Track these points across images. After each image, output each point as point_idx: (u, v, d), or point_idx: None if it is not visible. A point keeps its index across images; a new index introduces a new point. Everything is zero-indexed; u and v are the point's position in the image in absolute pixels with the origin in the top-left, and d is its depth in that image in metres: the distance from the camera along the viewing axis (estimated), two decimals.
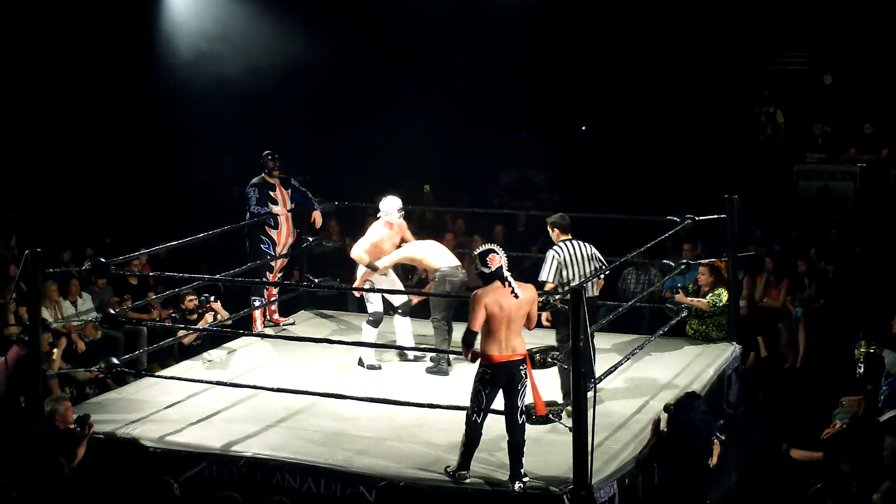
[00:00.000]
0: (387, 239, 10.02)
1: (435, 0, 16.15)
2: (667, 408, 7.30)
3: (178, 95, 16.17)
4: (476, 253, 7.49)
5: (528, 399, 7.41)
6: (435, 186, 15.93)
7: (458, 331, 8.27)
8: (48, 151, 15.77)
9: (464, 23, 16.50)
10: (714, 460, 7.28)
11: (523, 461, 7.38)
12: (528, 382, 7.37)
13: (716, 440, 7.30)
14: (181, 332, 10.56)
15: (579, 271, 8.62)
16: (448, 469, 7.54)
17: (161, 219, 15.27)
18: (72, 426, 7.79)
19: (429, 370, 9.66)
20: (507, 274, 7.40)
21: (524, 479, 7.36)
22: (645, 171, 15.96)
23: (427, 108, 16.45)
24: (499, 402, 7.55)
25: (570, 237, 8.83)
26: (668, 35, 16.33)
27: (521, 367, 7.36)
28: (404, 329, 9.96)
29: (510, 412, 7.40)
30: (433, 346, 9.62)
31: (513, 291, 7.32)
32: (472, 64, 16.94)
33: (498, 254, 7.42)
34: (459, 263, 9.93)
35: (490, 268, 7.39)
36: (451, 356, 9.57)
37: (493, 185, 17.02)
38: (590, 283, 8.59)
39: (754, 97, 16.29)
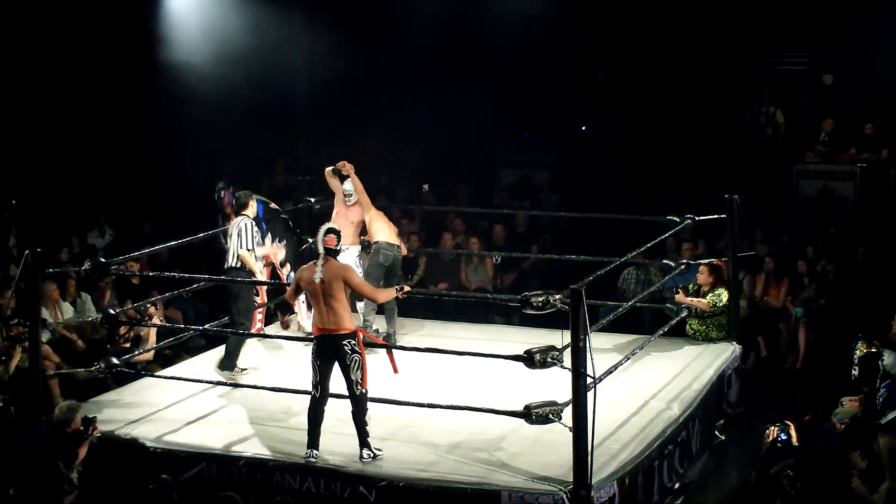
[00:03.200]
0: (341, 215, 10.65)
1: None
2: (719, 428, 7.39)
3: (178, 95, 16.14)
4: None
5: (359, 374, 7.89)
6: (434, 186, 15.91)
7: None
8: (46, 151, 15.74)
9: (465, 22, 16.48)
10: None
11: (368, 430, 7.85)
12: (360, 358, 7.85)
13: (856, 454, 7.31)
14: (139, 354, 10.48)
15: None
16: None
17: (159, 219, 15.25)
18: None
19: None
20: (320, 255, 8.04)
21: (374, 451, 7.81)
22: (645, 170, 15.95)
23: (427, 107, 16.43)
24: (498, 401, 7.57)
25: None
26: (668, 35, 16.31)
27: (347, 342, 7.83)
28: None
29: (348, 387, 7.94)
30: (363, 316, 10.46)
31: (315, 273, 7.96)
32: (472, 63, 16.92)
33: (320, 237, 8.06)
34: (398, 244, 10.59)
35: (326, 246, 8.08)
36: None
37: (493, 185, 17.01)
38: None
39: (754, 97, 16.27)
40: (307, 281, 8.00)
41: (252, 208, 10.00)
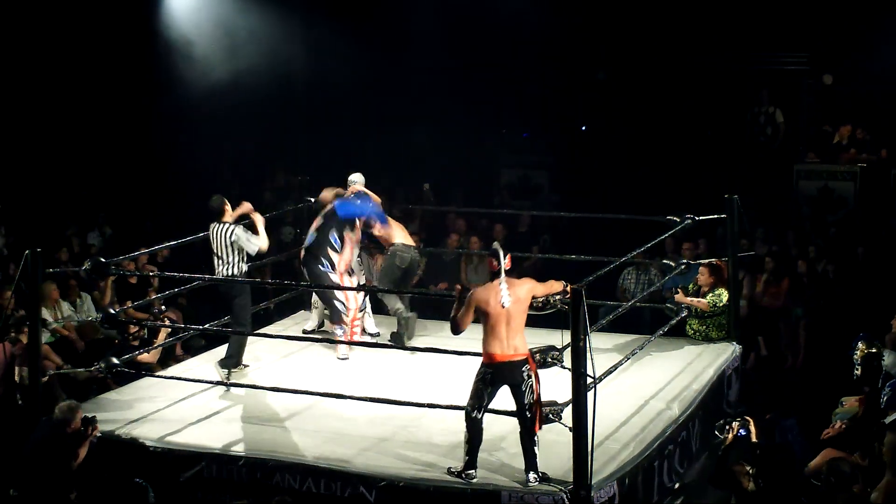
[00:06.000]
0: None
1: None
2: (718, 428, 7.45)
3: (179, 95, 16.16)
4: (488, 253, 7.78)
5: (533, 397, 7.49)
6: (435, 186, 15.93)
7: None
8: (45, 151, 15.75)
9: (465, 22, 16.49)
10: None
11: (536, 452, 7.45)
12: (534, 384, 7.46)
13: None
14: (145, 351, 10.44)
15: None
16: (452, 470, 7.57)
17: (159, 218, 15.26)
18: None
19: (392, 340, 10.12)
20: (502, 277, 7.56)
21: (539, 473, 7.44)
22: (645, 170, 15.96)
23: (427, 106, 16.44)
24: (498, 402, 7.59)
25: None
26: (668, 35, 16.32)
27: (525, 368, 7.46)
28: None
29: (520, 410, 7.50)
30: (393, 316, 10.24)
31: (501, 296, 7.46)
32: (472, 63, 16.94)
33: (497, 258, 7.60)
34: (414, 244, 10.60)
35: (491, 269, 7.64)
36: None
37: (494, 185, 17.03)
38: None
39: (753, 97, 16.28)
40: (493, 305, 7.44)
41: (229, 213, 9.46)
